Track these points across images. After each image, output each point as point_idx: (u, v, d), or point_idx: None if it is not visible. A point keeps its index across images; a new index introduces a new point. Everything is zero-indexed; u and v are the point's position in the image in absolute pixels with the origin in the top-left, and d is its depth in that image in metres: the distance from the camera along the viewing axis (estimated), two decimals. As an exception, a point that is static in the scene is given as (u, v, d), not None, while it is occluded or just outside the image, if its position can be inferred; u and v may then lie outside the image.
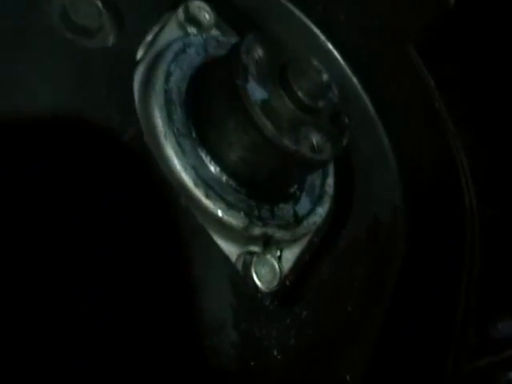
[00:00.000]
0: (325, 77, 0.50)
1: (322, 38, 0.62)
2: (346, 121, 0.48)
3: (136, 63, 0.48)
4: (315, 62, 0.51)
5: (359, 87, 0.61)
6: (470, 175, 0.60)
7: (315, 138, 0.46)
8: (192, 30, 0.55)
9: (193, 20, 0.55)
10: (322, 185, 0.54)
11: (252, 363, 0.42)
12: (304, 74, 0.47)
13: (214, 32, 0.57)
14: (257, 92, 0.44)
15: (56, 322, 0.34)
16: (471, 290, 0.53)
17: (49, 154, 0.39)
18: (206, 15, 0.56)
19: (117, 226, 0.39)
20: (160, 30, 0.53)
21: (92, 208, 0.38)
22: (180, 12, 0.55)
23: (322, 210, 0.52)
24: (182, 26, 0.54)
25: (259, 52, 0.47)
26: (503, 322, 0.77)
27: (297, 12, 0.61)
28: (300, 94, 0.45)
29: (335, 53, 0.62)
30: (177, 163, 0.45)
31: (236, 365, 0.41)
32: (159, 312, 0.39)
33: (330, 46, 0.62)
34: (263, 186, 0.48)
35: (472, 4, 0.58)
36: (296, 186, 0.52)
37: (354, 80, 0.61)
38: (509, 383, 0.70)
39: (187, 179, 0.44)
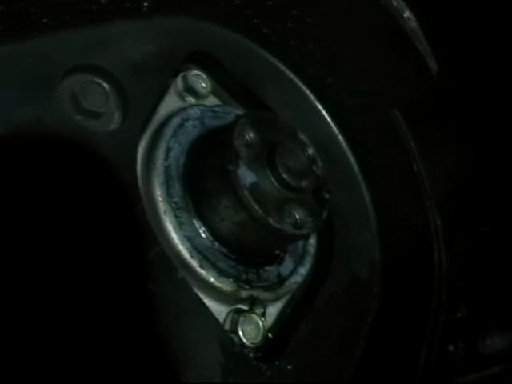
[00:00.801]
0: (310, 151, 0.55)
1: (312, 98, 0.66)
2: (327, 196, 0.54)
3: (138, 140, 0.53)
4: (301, 136, 0.56)
5: (345, 147, 0.66)
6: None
7: (298, 215, 0.51)
8: (190, 99, 0.59)
9: (190, 89, 0.59)
10: (305, 245, 0.60)
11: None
12: (290, 154, 0.52)
13: (212, 99, 0.61)
14: (246, 176, 0.50)
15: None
16: (435, 338, 0.60)
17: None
18: (203, 84, 0.60)
19: (118, 300, 0.46)
20: (159, 100, 0.58)
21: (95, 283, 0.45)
22: (179, 82, 0.59)
23: (303, 270, 0.58)
24: (180, 96, 0.59)
25: (250, 134, 0.52)
26: (492, 338, 0.81)
27: (288, 73, 0.65)
28: (285, 176, 0.51)
29: (324, 112, 0.66)
30: (174, 236, 0.50)
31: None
32: (155, 372, 0.46)
33: (319, 106, 0.66)
34: (250, 253, 0.54)
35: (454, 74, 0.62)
36: (280, 249, 0.58)
37: (341, 139, 0.66)
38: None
39: (184, 251, 0.50)
